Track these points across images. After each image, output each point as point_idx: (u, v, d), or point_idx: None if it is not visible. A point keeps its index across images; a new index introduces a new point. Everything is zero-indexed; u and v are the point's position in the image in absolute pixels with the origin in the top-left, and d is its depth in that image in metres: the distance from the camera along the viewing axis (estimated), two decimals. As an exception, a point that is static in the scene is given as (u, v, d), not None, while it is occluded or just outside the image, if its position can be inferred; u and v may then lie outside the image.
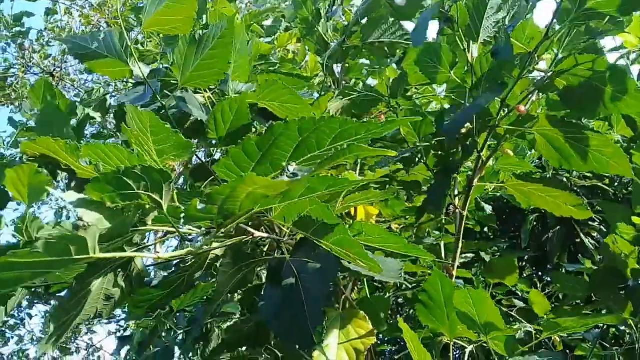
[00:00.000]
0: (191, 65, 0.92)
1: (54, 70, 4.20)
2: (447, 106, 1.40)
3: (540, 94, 1.26)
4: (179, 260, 1.06)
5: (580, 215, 1.14)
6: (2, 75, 4.35)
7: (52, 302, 3.99)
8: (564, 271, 1.92)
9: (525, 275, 3.01)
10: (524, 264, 3.00)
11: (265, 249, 1.02)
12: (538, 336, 1.40)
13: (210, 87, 1.13)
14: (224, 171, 0.68)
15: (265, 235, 0.79)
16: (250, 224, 0.86)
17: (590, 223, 2.80)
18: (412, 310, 1.78)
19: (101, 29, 4.05)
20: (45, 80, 1.02)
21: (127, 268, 0.77)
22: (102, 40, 0.98)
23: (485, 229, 2.55)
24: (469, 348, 1.21)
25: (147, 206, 0.66)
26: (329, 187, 0.65)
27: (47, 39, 4.58)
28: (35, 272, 0.54)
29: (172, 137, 0.74)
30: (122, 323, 3.54)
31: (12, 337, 4.36)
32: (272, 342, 1.18)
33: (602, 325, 1.70)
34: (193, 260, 0.89)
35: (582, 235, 2.67)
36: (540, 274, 2.98)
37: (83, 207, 0.62)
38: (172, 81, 1.05)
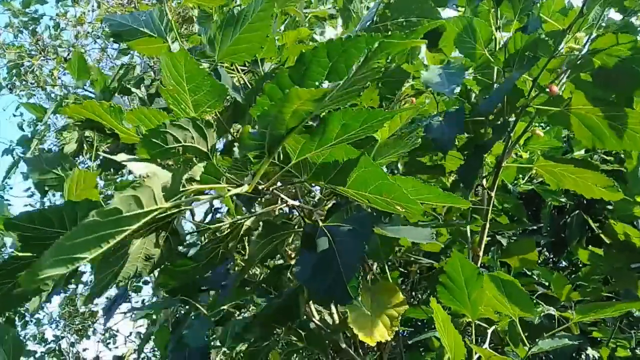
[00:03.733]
0: (229, 39, 0.91)
1: (68, 55, 4.21)
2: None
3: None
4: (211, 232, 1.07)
5: (610, 197, 1.13)
6: (17, 61, 4.37)
7: (70, 287, 4.05)
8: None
9: (540, 260, 3.01)
10: (541, 248, 2.99)
11: (294, 222, 1.03)
12: (561, 320, 1.40)
13: (242, 67, 1.13)
14: (261, 109, 0.67)
15: (297, 203, 0.80)
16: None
17: (608, 207, 2.78)
18: (425, 295, 1.79)
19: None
20: (79, 54, 1.02)
21: (168, 229, 0.78)
22: (142, 17, 0.98)
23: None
24: (491, 329, 1.21)
25: (195, 159, 0.67)
26: (363, 122, 0.65)
27: (60, 26, 4.58)
28: (112, 232, 0.54)
29: (207, 82, 0.74)
30: (138, 305, 3.59)
31: (32, 321, 4.44)
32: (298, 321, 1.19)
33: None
34: (228, 231, 0.90)
35: (591, 221, 2.65)
36: (556, 259, 2.97)
37: (134, 166, 0.63)
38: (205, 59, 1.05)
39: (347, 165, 0.73)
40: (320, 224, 0.76)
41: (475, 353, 1.04)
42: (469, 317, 1.06)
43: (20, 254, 0.74)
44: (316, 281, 0.69)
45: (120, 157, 0.69)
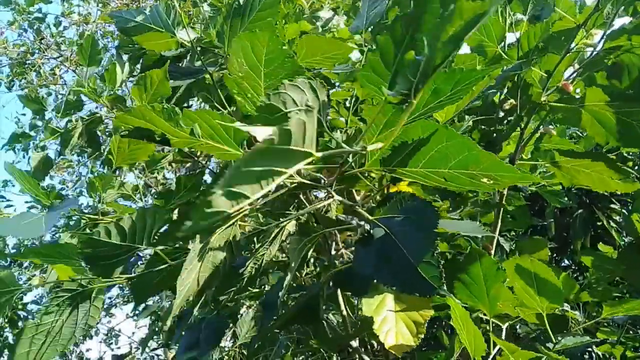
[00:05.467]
0: (238, 29, 0.89)
1: (71, 55, 4.21)
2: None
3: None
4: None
5: (626, 189, 1.11)
6: (20, 59, 4.36)
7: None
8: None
9: (543, 260, 3.01)
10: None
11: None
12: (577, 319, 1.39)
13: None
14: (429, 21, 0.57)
15: (340, 198, 0.76)
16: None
17: (611, 206, 2.78)
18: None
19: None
20: (92, 37, 1.01)
21: (232, 231, 0.73)
22: (148, 12, 0.98)
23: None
24: (505, 325, 1.20)
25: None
26: (455, 84, 0.61)
27: (63, 25, 4.58)
28: (273, 170, 0.48)
29: (287, 64, 0.68)
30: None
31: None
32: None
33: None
34: (274, 234, 0.86)
35: (603, 218, 2.65)
36: (559, 258, 2.97)
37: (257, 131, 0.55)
38: (215, 51, 1.03)
39: (425, 142, 0.67)
40: (370, 217, 0.71)
41: (494, 347, 1.01)
42: (486, 314, 1.04)
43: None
44: (383, 272, 0.65)
45: (237, 124, 0.64)
